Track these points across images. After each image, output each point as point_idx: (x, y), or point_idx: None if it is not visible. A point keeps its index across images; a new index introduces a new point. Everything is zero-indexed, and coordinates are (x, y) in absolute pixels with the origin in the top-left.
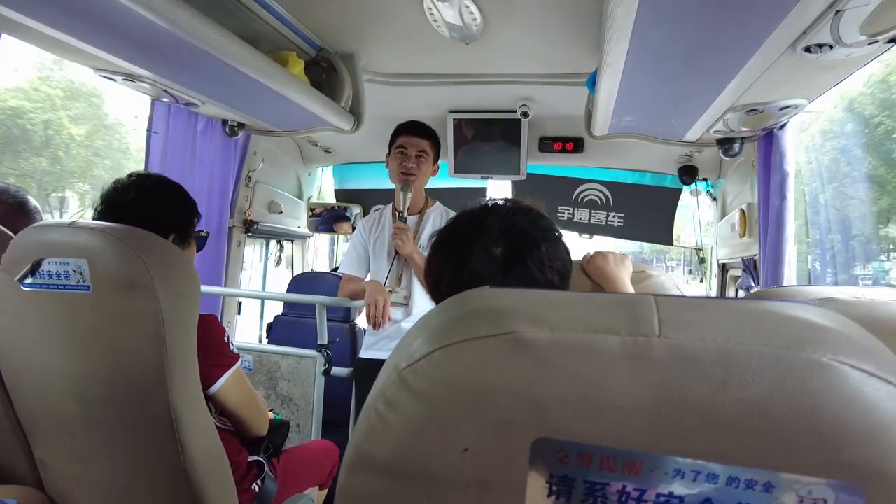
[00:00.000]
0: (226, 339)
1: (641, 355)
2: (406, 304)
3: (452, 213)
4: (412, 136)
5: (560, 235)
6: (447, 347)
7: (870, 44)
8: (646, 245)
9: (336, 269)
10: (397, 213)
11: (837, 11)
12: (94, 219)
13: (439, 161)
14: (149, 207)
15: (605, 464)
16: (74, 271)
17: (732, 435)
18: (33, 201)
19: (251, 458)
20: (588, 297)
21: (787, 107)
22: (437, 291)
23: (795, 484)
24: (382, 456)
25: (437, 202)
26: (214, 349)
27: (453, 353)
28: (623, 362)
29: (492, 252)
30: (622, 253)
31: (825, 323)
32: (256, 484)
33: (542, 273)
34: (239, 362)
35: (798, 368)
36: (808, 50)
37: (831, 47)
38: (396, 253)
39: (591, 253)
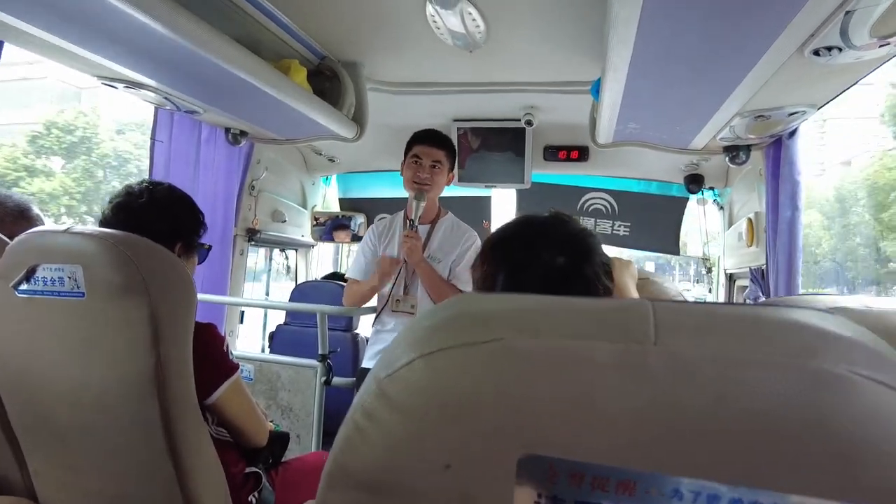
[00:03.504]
0: (225, 348)
1: (635, 364)
2: (413, 313)
3: (464, 225)
4: (427, 145)
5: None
6: (428, 356)
7: (880, 46)
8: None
9: (332, 276)
10: (408, 222)
11: (847, 12)
12: (100, 223)
13: None
14: (159, 213)
15: (597, 483)
16: (69, 277)
17: (736, 453)
18: (36, 209)
19: (249, 470)
20: (579, 302)
21: (796, 113)
22: (484, 289)
23: None
24: (360, 470)
25: (449, 213)
26: (213, 358)
27: (435, 361)
28: (615, 372)
29: (555, 261)
30: (626, 259)
31: (836, 330)
32: (254, 496)
33: (600, 280)
34: (238, 372)
35: (808, 380)
36: (816, 53)
37: (840, 50)
38: (405, 262)
39: None
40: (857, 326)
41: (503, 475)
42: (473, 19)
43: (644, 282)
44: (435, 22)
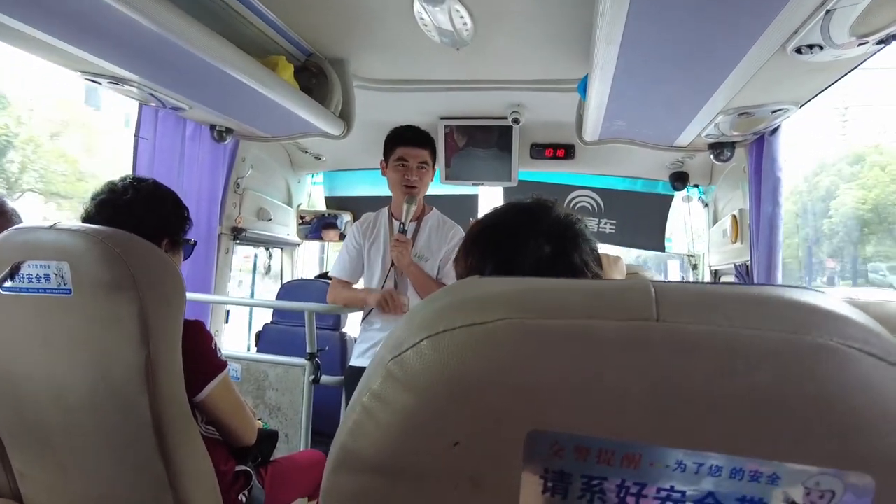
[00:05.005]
0: (213, 345)
1: (639, 341)
2: (405, 312)
3: (450, 221)
4: (412, 147)
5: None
6: (435, 336)
7: (860, 45)
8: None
9: (322, 276)
10: (399, 225)
11: (828, 11)
12: (83, 220)
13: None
14: (145, 210)
15: (603, 457)
16: (55, 274)
17: (736, 424)
18: (10, 204)
19: (238, 468)
20: (582, 284)
21: (779, 110)
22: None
23: (802, 475)
24: (369, 453)
25: (434, 209)
26: (202, 356)
27: (441, 341)
28: (620, 349)
29: (542, 250)
30: (615, 255)
31: (830, 307)
32: (243, 494)
33: (588, 268)
34: (227, 369)
35: (806, 353)
36: (798, 51)
37: (822, 48)
38: (393, 263)
39: None
40: (844, 302)
41: (510, 452)
42: (461, 17)
43: (633, 277)
44: (422, 19)
